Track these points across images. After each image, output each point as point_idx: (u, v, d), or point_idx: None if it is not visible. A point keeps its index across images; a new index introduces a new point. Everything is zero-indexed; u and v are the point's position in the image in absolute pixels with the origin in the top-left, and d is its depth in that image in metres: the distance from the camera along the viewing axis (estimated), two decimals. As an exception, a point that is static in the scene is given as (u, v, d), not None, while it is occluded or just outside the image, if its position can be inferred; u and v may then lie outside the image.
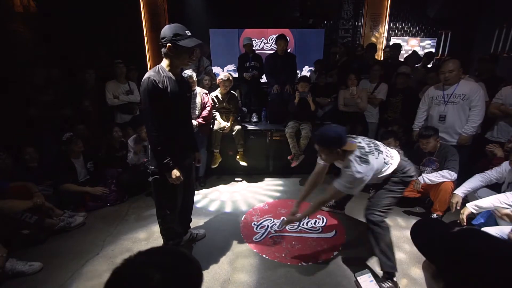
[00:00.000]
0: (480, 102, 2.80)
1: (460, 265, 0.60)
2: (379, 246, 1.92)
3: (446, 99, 2.92)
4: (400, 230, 2.63)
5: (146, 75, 1.71)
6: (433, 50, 6.10)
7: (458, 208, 2.42)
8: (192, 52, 1.77)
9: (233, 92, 3.74)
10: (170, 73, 1.78)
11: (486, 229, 2.07)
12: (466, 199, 2.68)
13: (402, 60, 4.93)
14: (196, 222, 2.75)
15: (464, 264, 0.59)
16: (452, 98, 2.89)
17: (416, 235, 0.79)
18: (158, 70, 1.74)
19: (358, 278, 1.23)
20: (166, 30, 1.70)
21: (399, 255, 2.26)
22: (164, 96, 1.72)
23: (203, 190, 3.50)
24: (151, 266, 0.62)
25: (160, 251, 0.70)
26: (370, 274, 1.24)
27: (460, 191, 2.46)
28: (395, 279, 1.89)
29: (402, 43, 6.06)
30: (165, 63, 1.79)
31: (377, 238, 1.93)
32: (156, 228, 2.51)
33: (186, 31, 1.71)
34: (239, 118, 3.90)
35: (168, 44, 1.69)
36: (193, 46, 1.71)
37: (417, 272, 2.06)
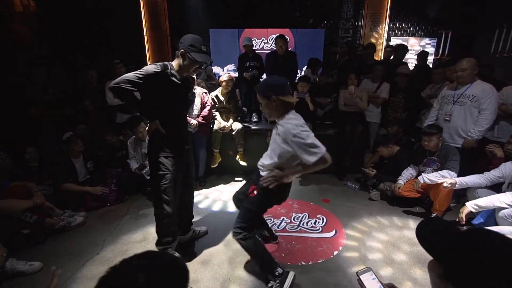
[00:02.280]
0: (491, 106, 2.69)
1: (473, 266, 0.59)
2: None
3: (455, 98, 2.86)
4: (399, 230, 2.63)
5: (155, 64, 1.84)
6: (433, 49, 6.10)
7: (446, 185, 2.49)
8: (199, 66, 1.92)
9: (233, 92, 3.74)
10: (176, 73, 1.90)
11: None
12: (466, 199, 2.69)
13: (403, 60, 4.92)
14: (196, 221, 2.75)
15: (477, 265, 0.58)
16: (460, 98, 2.83)
17: (423, 236, 0.76)
18: (167, 64, 1.87)
19: (360, 277, 1.23)
20: (187, 38, 1.85)
21: (399, 256, 2.26)
22: (159, 88, 1.83)
23: (203, 189, 3.50)
24: (136, 269, 0.64)
25: (144, 256, 0.72)
26: (372, 272, 1.23)
27: (458, 179, 2.51)
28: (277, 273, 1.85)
29: (402, 43, 6.08)
30: (175, 63, 1.92)
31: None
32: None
33: (202, 46, 1.85)
34: (239, 118, 3.90)
35: (182, 50, 1.84)
36: (199, 61, 1.85)
37: (417, 272, 2.06)
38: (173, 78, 1.87)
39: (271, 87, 1.72)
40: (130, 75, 1.76)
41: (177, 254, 2.06)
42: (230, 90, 3.64)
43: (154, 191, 2.01)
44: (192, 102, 3.31)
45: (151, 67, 1.80)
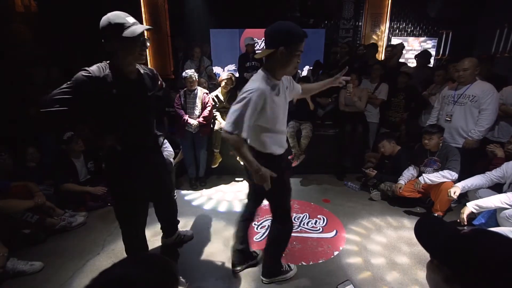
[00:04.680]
0: (491, 106, 2.68)
1: (474, 268, 0.58)
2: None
3: (455, 99, 2.86)
4: (400, 230, 2.63)
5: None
6: (433, 49, 6.10)
7: (455, 197, 2.46)
8: (144, 42, 1.48)
9: (234, 91, 3.73)
10: (117, 71, 1.51)
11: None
12: (467, 199, 2.68)
13: (403, 60, 4.92)
14: (196, 221, 2.75)
15: (477, 267, 0.57)
16: (461, 99, 2.82)
17: (423, 236, 0.73)
18: (102, 66, 1.49)
19: None
20: (104, 21, 1.42)
21: (400, 256, 2.26)
22: (101, 97, 1.46)
23: (204, 190, 3.50)
24: (113, 283, 0.62)
25: (128, 262, 0.69)
26: (352, 285, 1.21)
27: (460, 185, 2.48)
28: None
29: (402, 43, 6.07)
30: (113, 60, 1.52)
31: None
32: (156, 228, 2.51)
33: (128, 18, 1.44)
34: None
35: (110, 39, 1.43)
36: (139, 34, 1.42)
37: (418, 273, 2.06)
38: (116, 79, 1.49)
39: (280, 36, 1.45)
40: (56, 92, 1.41)
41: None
42: (230, 89, 3.64)
43: (116, 211, 1.76)
44: (166, 100, 3.23)
45: (80, 76, 1.43)
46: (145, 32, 1.49)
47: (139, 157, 1.67)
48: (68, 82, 1.43)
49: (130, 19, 1.44)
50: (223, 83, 3.54)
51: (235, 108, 1.43)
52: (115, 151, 1.57)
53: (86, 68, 1.46)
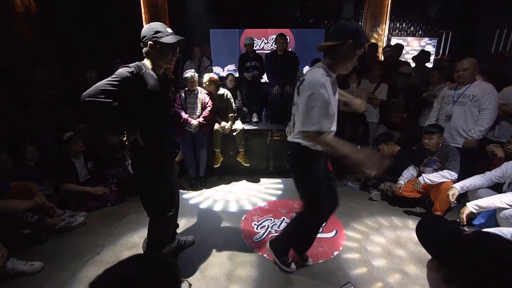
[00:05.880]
0: (491, 106, 2.69)
1: (474, 270, 0.59)
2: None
3: (455, 98, 2.87)
4: (400, 230, 2.63)
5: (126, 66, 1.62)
6: (433, 49, 6.10)
7: (454, 200, 2.45)
8: (176, 49, 1.70)
9: (223, 91, 3.67)
10: (152, 72, 1.70)
11: (486, 230, 2.07)
12: (466, 199, 2.68)
13: (404, 60, 4.91)
14: (196, 222, 2.76)
15: (487, 270, 0.58)
16: (460, 98, 2.83)
17: (423, 234, 0.74)
18: (140, 65, 1.67)
19: None
20: (146, 29, 1.66)
21: (399, 256, 2.26)
22: (138, 92, 1.63)
23: (204, 190, 3.50)
24: (117, 282, 0.62)
25: (131, 262, 0.70)
26: (352, 286, 1.21)
27: (459, 185, 2.48)
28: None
29: (402, 43, 6.08)
30: (147, 61, 1.73)
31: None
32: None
33: (167, 29, 1.67)
34: (239, 119, 3.90)
35: (150, 42, 1.64)
36: (175, 42, 1.65)
37: (418, 273, 2.06)
38: (151, 78, 1.67)
39: (348, 32, 1.52)
40: (102, 84, 1.54)
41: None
42: (217, 89, 3.58)
43: (150, 203, 1.87)
44: (173, 102, 3.25)
45: (123, 70, 1.58)
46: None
47: (163, 149, 1.85)
48: (113, 76, 1.56)
49: (169, 29, 1.67)
50: (206, 88, 3.51)
51: (305, 107, 1.46)
52: (139, 145, 1.70)
53: (128, 65, 1.61)
